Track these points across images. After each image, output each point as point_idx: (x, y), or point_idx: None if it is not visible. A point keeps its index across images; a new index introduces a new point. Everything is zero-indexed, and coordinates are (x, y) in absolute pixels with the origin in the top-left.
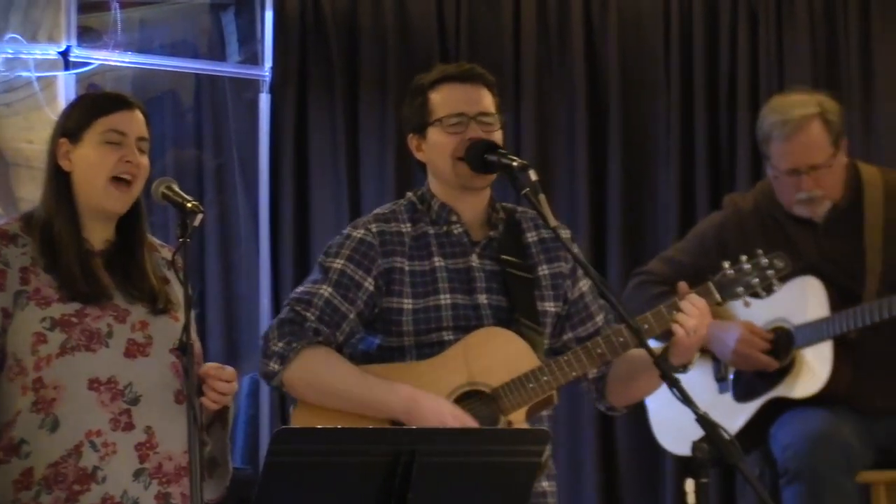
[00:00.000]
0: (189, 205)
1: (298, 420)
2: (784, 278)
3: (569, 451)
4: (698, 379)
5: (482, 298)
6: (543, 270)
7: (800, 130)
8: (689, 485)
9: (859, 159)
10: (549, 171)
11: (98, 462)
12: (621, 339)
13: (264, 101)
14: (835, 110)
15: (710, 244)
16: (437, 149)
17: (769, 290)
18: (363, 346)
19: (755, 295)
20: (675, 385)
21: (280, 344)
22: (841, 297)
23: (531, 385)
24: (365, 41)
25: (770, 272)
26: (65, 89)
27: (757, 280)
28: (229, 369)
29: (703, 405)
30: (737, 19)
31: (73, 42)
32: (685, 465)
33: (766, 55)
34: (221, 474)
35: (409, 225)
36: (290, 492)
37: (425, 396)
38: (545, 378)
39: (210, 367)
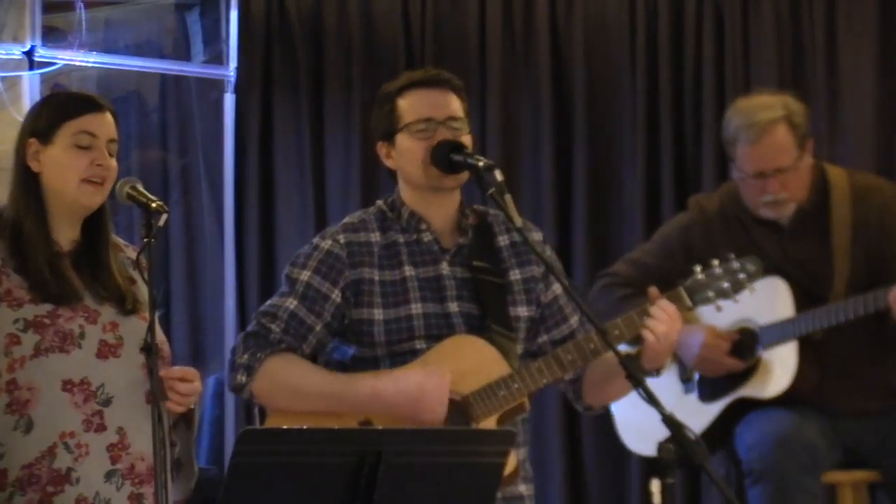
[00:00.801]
0: (154, 205)
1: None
2: (763, 269)
3: (534, 451)
4: (663, 379)
5: (453, 307)
6: (515, 275)
7: (766, 134)
8: (655, 485)
9: (825, 159)
10: (514, 172)
11: (72, 463)
12: (592, 346)
13: (229, 101)
14: (800, 112)
15: (675, 246)
16: (406, 154)
17: (740, 293)
18: (337, 356)
19: (727, 299)
20: (640, 385)
21: (245, 356)
22: (806, 298)
23: (502, 393)
24: (330, 42)
25: (742, 276)
26: (29, 89)
27: (728, 284)
28: (190, 369)
29: (669, 406)
30: (702, 20)
31: (38, 42)
32: (651, 466)
33: (731, 55)
34: (186, 476)
35: (378, 234)
36: (256, 492)
37: (385, 385)
38: (516, 385)
39: (174, 370)
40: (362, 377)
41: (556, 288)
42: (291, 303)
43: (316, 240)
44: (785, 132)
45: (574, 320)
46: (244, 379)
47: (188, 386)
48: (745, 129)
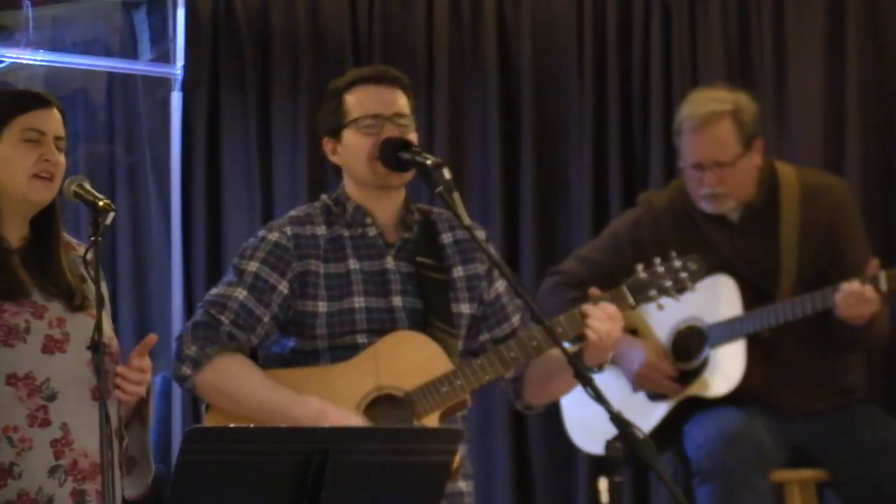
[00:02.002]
0: (101, 203)
1: (212, 423)
2: (698, 281)
3: (481, 449)
4: (612, 377)
5: (397, 301)
6: (458, 272)
7: (708, 125)
8: (603, 484)
9: (774, 157)
10: (462, 170)
11: (14, 458)
12: (534, 343)
13: (176, 99)
14: (750, 111)
15: (624, 243)
16: (352, 150)
17: (682, 292)
18: (277, 349)
19: (669, 298)
20: (588, 384)
21: (193, 348)
22: (755, 295)
23: (444, 389)
24: (277, 39)
25: (684, 275)
26: None
27: (670, 283)
28: (143, 361)
29: (617, 404)
30: (650, 17)
31: None
32: (599, 464)
33: (679, 53)
34: (142, 472)
35: (323, 228)
36: (203, 491)
37: (334, 410)
38: (459, 382)
39: (121, 368)
40: (309, 398)
41: (499, 286)
42: (241, 293)
43: (263, 232)
44: (728, 127)
45: (516, 319)
46: (189, 371)
47: (137, 374)
48: (690, 119)
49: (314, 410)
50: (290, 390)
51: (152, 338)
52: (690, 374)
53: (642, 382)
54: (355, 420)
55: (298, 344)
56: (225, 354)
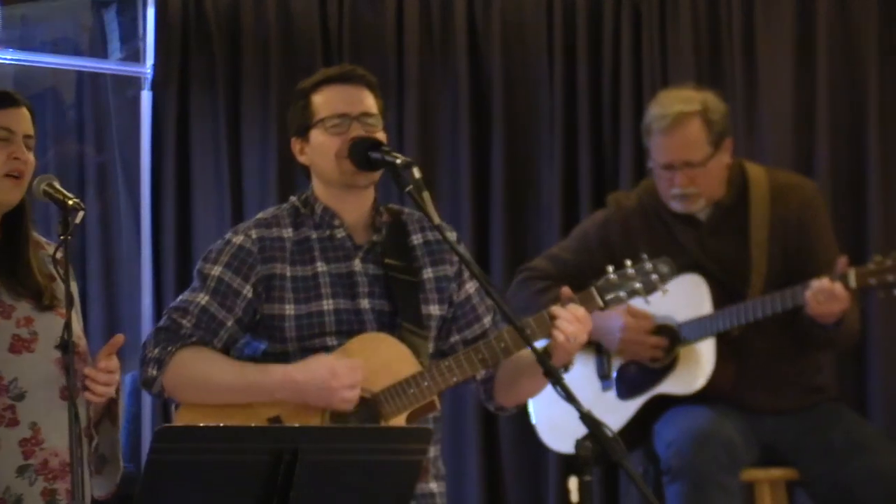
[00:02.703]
0: (70, 202)
1: (182, 421)
2: (667, 282)
3: (451, 448)
4: (581, 376)
5: (365, 303)
6: (428, 273)
7: (677, 126)
8: (573, 482)
9: (744, 157)
10: (432, 170)
11: None
12: (503, 345)
13: (146, 98)
14: (719, 111)
15: (593, 242)
16: (320, 150)
17: (652, 293)
18: (249, 351)
19: (638, 299)
20: (558, 383)
21: (156, 350)
22: (725, 295)
23: (412, 390)
24: (247, 39)
25: (654, 277)
26: None
27: (640, 285)
28: (111, 362)
29: (587, 403)
30: (620, 19)
31: None
32: (569, 463)
33: (649, 54)
34: (111, 471)
35: (290, 230)
36: (173, 490)
37: (296, 371)
38: (426, 384)
39: (89, 370)
40: (273, 366)
41: (469, 287)
42: (203, 298)
43: (228, 235)
44: (698, 127)
45: (487, 320)
46: (154, 372)
47: (107, 376)
48: (659, 119)
49: (278, 377)
50: (254, 366)
51: (119, 338)
52: (661, 372)
53: (627, 348)
54: (318, 364)
55: (269, 346)
56: (186, 348)
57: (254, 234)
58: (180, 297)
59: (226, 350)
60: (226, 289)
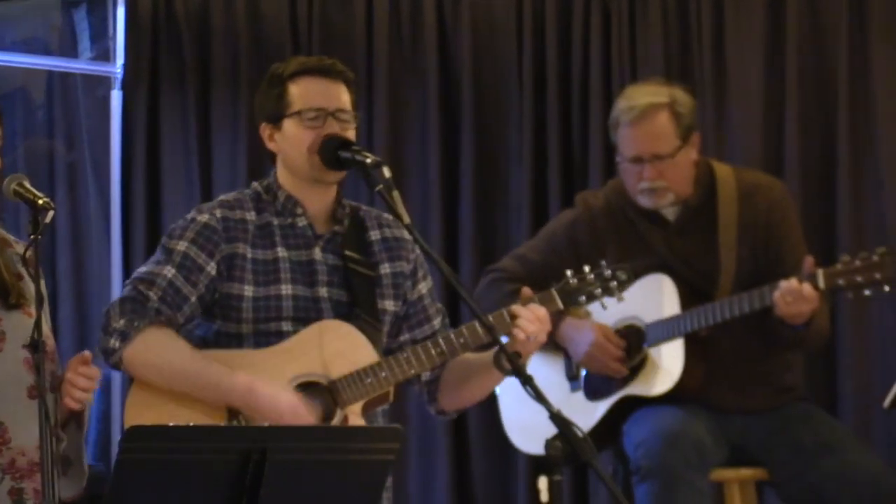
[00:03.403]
0: (40, 202)
1: (134, 399)
2: (634, 277)
3: (421, 449)
4: (551, 377)
5: (323, 291)
6: (385, 269)
7: (645, 118)
8: (543, 482)
9: (713, 155)
10: (401, 169)
11: None
12: (461, 340)
13: (116, 97)
14: (687, 104)
15: (560, 242)
16: (292, 141)
17: (610, 298)
18: (200, 332)
19: (597, 304)
20: (528, 383)
21: (121, 322)
22: (693, 295)
23: (369, 380)
24: (217, 39)
25: (612, 283)
26: None
27: (599, 290)
28: (94, 368)
29: (556, 403)
30: (589, 19)
31: None
32: (538, 464)
33: (618, 55)
34: (76, 473)
35: (253, 213)
36: (142, 489)
37: (263, 386)
38: (383, 374)
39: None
40: (238, 372)
41: (422, 287)
42: (169, 271)
43: (192, 213)
44: (666, 119)
45: (436, 322)
46: (117, 344)
47: (87, 382)
48: (627, 112)
49: (244, 385)
50: (220, 365)
51: (88, 356)
52: (630, 373)
53: (590, 363)
54: (284, 397)
55: (223, 326)
56: (153, 327)
57: (218, 213)
58: (144, 269)
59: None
60: (191, 264)
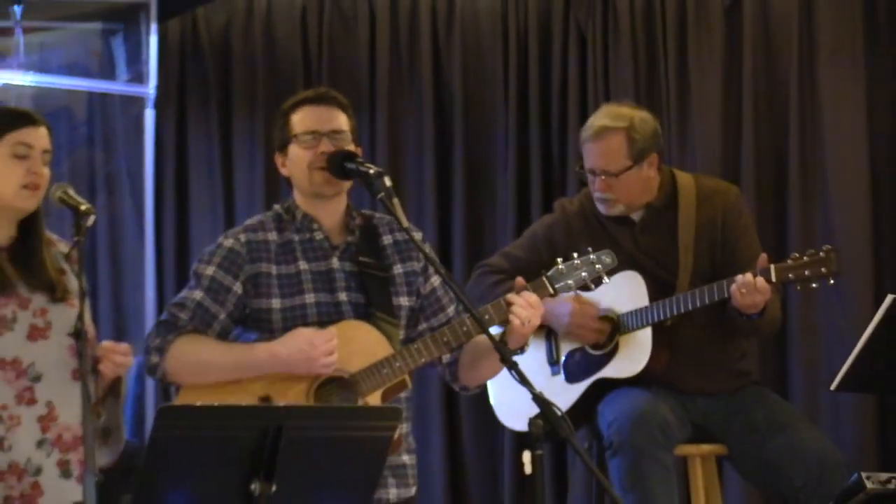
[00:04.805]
0: (83, 207)
1: (182, 402)
2: (611, 273)
3: (417, 427)
4: (533, 362)
5: (343, 296)
6: (398, 269)
7: (600, 138)
8: (526, 456)
9: (677, 165)
10: (400, 179)
11: (4, 433)
12: (465, 329)
13: (149, 116)
14: (645, 130)
15: (540, 242)
16: (295, 161)
17: (598, 283)
18: (242, 342)
19: (585, 287)
20: (513, 368)
21: (157, 340)
22: (658, 287)
23: (385, 370)
24: (237, 62)
25: (598, 267)
26: None
27: (586, 274)
28: (124, 345)
29: (538, 386)
30: (567, 44)
31: None
32: (522, 440)
33: (593, 77)
34: (115, 440)
35: (275, 234)
36: (173, 461)
37: (280, 346)
38: (398, 364)
39: (108, 343)
40: (258, 344)
41: (434, 281)
42: (198, 294)
43: (220, 239)
44: (619, 142)
45: (451, 310)
46: (156, 359)
47: (121, 358)
48: (587, 129)
49: (263, 353)
50: (241, 345)
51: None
52: (603, 358)
53: (574, 331)
54: (302, 334)
55: (259, 336)
56: (183, 336)
57: (242, 237)
58: (179, 295)
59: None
60: (218, 286)
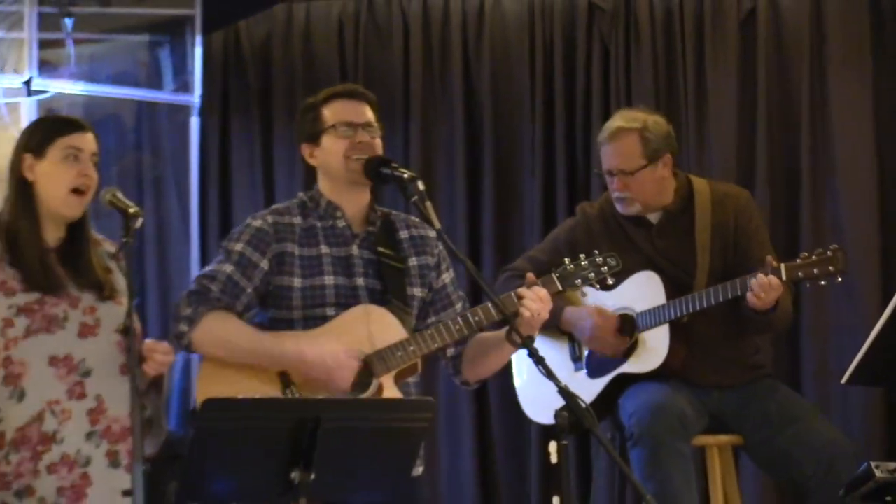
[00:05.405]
0: (131, 210)
1: (204, 373)
2: (622, 273)
3: (449, 421)
4: (557, 359)
5: (360, 281)
6: (413, 262)
7: (615, 139)
8: (553, 447)
9: (695, 168)
10: (433, 184)
11: (57, 426)
12: (477, 318)
13: (194, 123)
14: (658, 131)
15: (562, 244)
16: (330, 150)
17: (603, 283)
18: (258, 320)
19: (591, 286)
20: (541, 363)
21: (188, 310)
22: (674, 287)
23: (399, 353)
24: (277, 73)
25: (604, 268)
26: (28, 113)
27: (592, 274)
28: (165, 344)
29: (563, 380)
30: (591, 55)
31: (35, 73)
32: (548, 431)
33: (615, 85)
34: (157, 433)
35: (299, 218)
36: (216, 450)
37: (310, 352)
38: (411, 348)
39: (150, 342)
40: (287, 337)
41: (445, 277)
42: (228, 268)
43: (248, 219)
44: (633, 141)
45: (458, 306)
46: (185, 328)
47: (163, 356)
48: (603, 132)
49: (293, 352)
50: (272, 336)
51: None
52: (624, 355)
53: (594, 343)
54: (331, 349)
55: (276, 314)
56: (215, 312)
57: (269, 218)
58: (208, 267)
59: (242, 315)
60: (247, 262)
